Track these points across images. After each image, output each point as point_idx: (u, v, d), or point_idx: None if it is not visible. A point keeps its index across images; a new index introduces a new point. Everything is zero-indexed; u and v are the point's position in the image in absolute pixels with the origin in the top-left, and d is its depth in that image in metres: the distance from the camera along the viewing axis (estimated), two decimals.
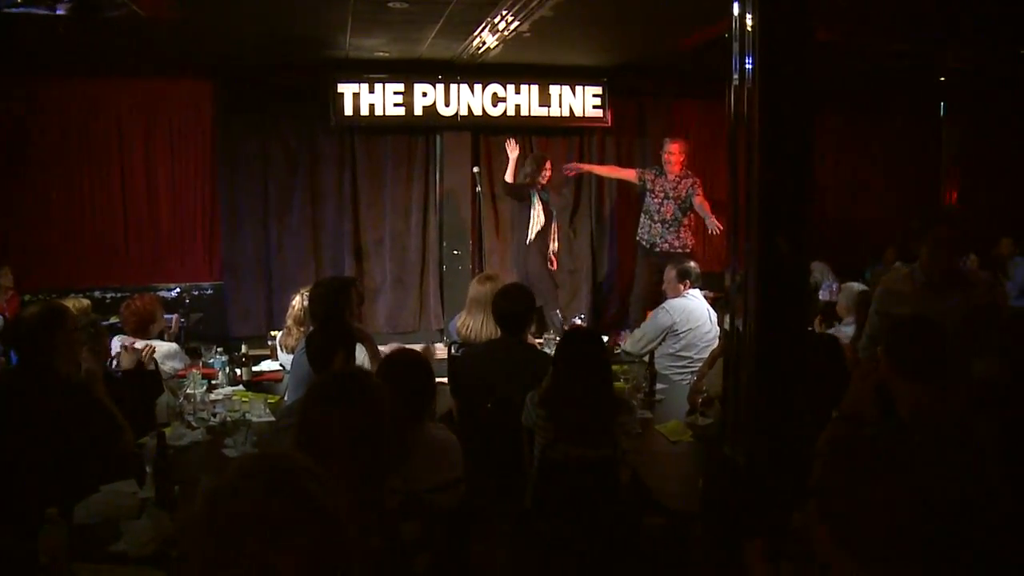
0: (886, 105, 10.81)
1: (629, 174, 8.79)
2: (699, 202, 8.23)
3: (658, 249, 8.36)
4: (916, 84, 10.53)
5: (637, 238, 8.66)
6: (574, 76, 9.15)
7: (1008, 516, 2.78)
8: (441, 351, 7.11)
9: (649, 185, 8.42)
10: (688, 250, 8.31)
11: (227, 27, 6.99)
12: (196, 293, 8.98)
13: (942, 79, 10.30)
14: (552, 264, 8.42)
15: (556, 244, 8.45)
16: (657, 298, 8.15)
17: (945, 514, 2.52)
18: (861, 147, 11.00)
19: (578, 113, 9.22)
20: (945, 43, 8.23)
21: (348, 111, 8.70)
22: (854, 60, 8.72)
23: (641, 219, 8.58)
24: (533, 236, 8.22)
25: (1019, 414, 3.26)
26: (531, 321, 4.78)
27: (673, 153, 8.26)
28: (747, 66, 3.41)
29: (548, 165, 8.37)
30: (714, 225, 8.01)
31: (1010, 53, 8.68)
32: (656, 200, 8.36)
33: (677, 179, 8.30)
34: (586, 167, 9.08)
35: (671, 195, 8.30)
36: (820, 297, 8.16)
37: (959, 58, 9.04)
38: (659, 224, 8.35)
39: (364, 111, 8.73)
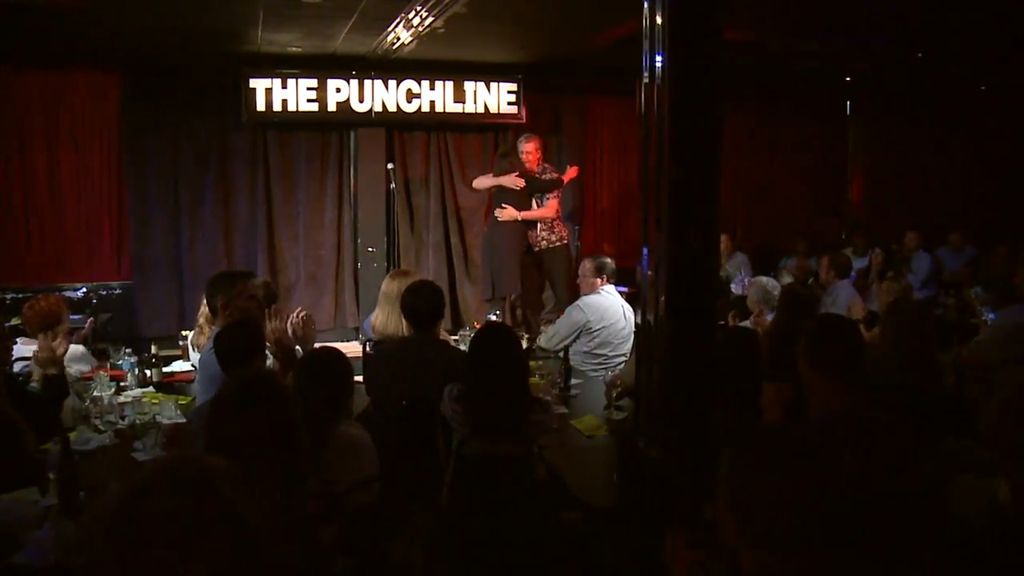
0: (796, 104, 11.09)
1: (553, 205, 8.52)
2: (550, 203, 8.20)
3: (537, 248, 8.21)
4: (824, 84, 10.82)
5: None
6: (489, 72, 9.16)
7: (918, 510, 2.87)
8: (356, 349, 7.05)
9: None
10: (565, 242, 8.28)
11: (134, 18, 6.81)
12: (104, 293, 8.72)
13: (848, 79, 10.59)
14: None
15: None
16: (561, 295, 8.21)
17: (855, 506, 2.59)
18: (772, 144, 11.25)
19: (493, 110, 9.24)
20: (850, 45, 8.46)
21: (260, 106, 8.57)
22: (765, 59, 8.91)
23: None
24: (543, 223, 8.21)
25: None
26: (441, 316, 4.75)
27: (530, 152, 8.13)
28: (657, 64, 3.44)
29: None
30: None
31: (909, 56, 8.97)
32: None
33: (536, 176, 8.18)
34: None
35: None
36: (733, 291, 8.30)
37: (863, 59, 9.30)
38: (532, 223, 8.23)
39: (277, 106, 8.60)
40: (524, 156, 8.16)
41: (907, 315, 4.73)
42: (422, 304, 4.64)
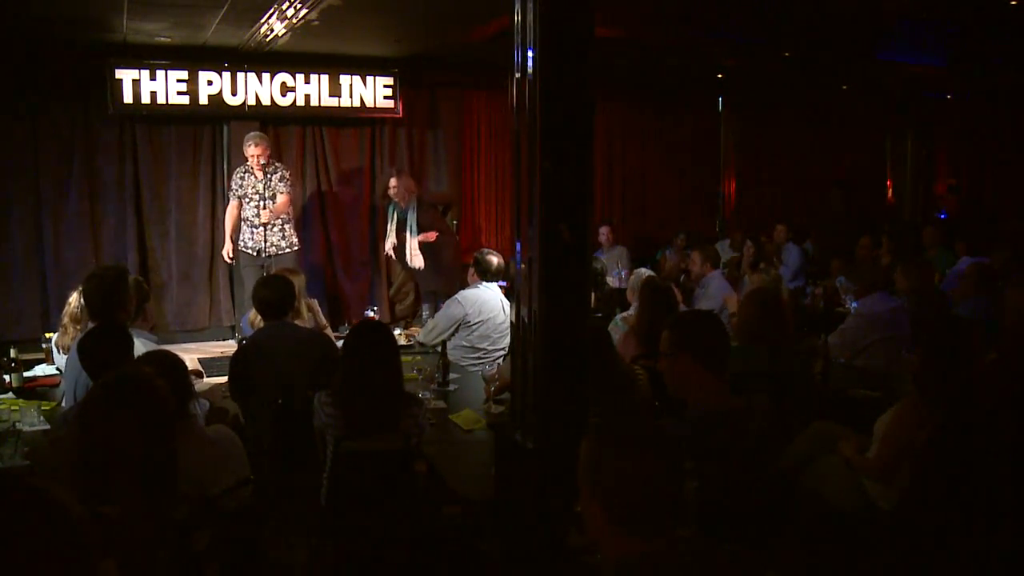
0: (671, 99, 11.35)
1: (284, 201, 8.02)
2: (284, 203, 7.98)
3: (267, 254, 7.89)
4: (697, 80, 11.09)
5: (240, 247, 8.11)
6: (365, 66, 9.08)
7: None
8: (232, 348, 6.92)
9: (239, 191, 8.02)
10: (297, 248, 8.17)
11: None
12: None
13: (720, 76, 10.88)
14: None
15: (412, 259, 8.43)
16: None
17: (721, 494, 2.67)
18: (649, 139, 11.49)
19: (369, 104, 9.15)
20: (719, 42, 8.69)
21: (128, 99, 8.24)
22: (640, 56, 9.08)
23: (241, 227, 8.12)
24: (388, 250, 8.41)
25: None
26: (291, 307, 4.92)
27: (259, 155, 7.84)
28: (529, 59, 3.46)
29: (391, 183, 8.35)
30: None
31: (777, 55, 9.27)
32: (253, 205, 7.97)
33: (266, 177, 7.92)
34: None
35: (267, 195, 7.90)
36: (609, 283, 8.43)
37: (732, 56, 9.57)
38: (261, 228, 7.90)
39: (145, 99, 8.30)
40: (253, 159, 7.83)
41: (763, 303, 4.90)
42: (268, 294, 4.82)
